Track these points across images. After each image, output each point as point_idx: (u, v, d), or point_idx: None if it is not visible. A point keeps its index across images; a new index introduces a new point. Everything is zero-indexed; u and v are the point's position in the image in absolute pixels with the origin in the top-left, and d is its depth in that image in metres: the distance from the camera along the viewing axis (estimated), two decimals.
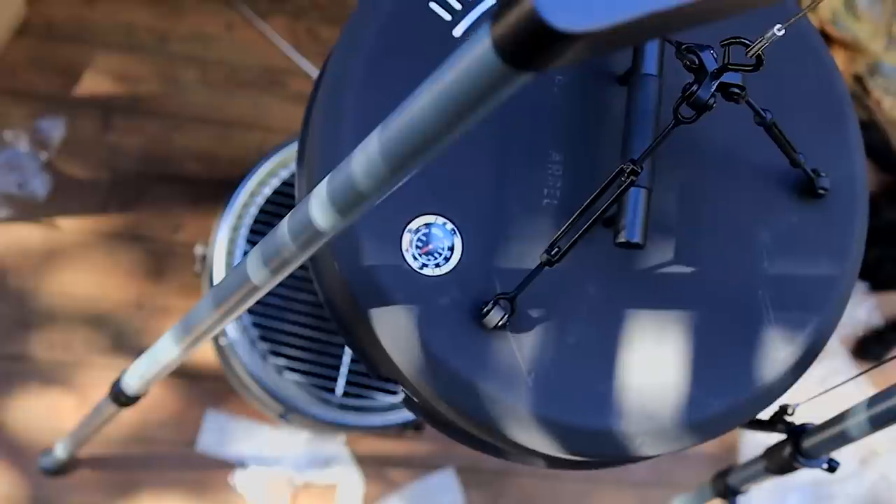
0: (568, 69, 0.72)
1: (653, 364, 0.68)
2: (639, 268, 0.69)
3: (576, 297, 0.68)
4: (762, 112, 0.66)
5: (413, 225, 0.66)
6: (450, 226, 0.67)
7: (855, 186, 0.75)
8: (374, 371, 0.71)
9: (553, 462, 0.74)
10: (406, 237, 0.66)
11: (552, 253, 0.64)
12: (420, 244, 0.66)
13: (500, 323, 0.64)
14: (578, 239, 0.64)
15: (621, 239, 0.65)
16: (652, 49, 0.69)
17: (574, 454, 0.67)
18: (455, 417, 0.67)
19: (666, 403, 0.67)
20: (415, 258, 0.66)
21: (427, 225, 0.66)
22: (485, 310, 0.64)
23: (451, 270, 0.66)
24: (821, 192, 0.72)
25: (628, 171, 0.62)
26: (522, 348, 0.65)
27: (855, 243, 0.74)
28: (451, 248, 0.66)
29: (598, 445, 0.66)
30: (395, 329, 0.65)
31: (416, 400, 0.70)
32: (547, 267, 0.64)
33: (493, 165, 0.69)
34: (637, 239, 0.65)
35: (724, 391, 0.68)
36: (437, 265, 0.66)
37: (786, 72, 0.76)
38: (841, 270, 0.73)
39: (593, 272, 0.68)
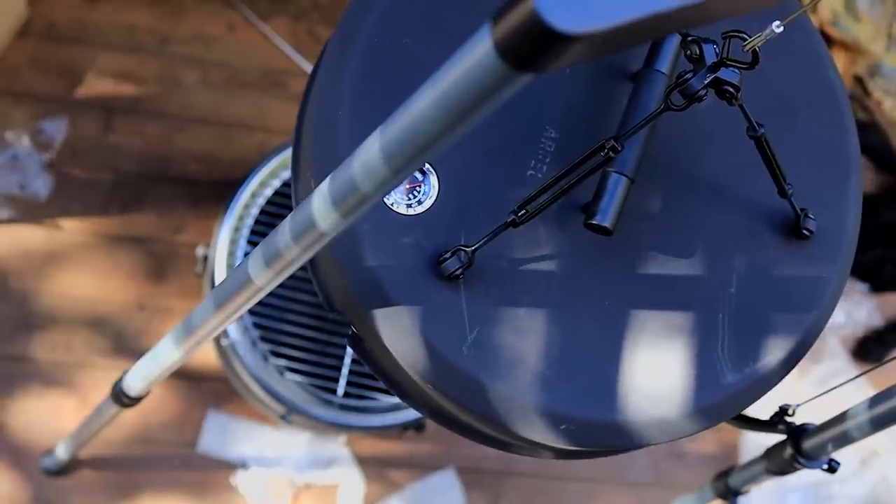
0: None
1: (596, 351, 0.68)
2: (605, 257, 0.70)
3: (537, 272, 0.68)
4: (756, 124, 0.66)
5: None
6: (430, 171, 0.67)
7: (842, 238, 0.74)
8: (328, 302, 0.71)
9: (480, 436, 0.74)
10: None
11: (519, 214, 0.64)
12: None
13: (454, 273, 0.64)
14: (548, 204, 0.64)
15: (592, 221, 0.66)
16: (668, 49, 0.70)
17: (494, 422, 0.67)
18: (385, 355, 0.67)
19: (601, 391, 0.67)
20: (389, 194, 0.66)
21: None
22: (442, 257, 0.65)
23: (420, 213, 0.66)
24: (805, 233, 0.72)
25: (608, 146, 0.63)
26: (471, 305, 0.65)
27: (827, 297, 0.73)
28: (427, 194, 0.67)
29: (519, 419, 0.66)
30: (351, 254, 0.65)
31: (361, 337, 0.70)
32: (511, 228, 0.65)
33: (488, 125, 0.69)
34: (607, 224, 0.66)
35: (668, 388, 0.68)
36: (409, 205, 0.66)
37: (801, 113, 0.76)
38: (804, 317, 0.72)
39: (561, 253, 0.69)
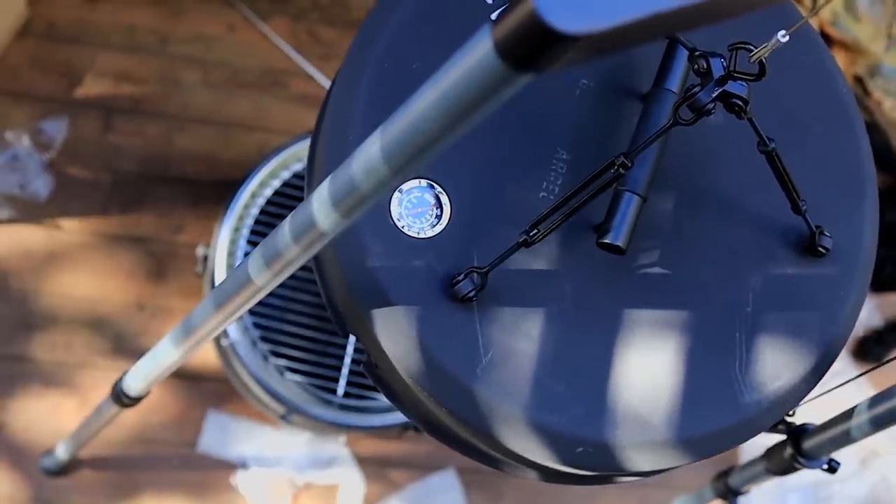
0: (594, 76, 0.73)
1: (612, 373, 0.67)
2: (618, 277, 0.69)
3: (551, 292, 0.68)
4: (766, 138, 0.65)
5: (406, 185, 0.66)
6: (442, 194, 0.67)
7: (859, 254, 0.74)
8: (342, 325, 0.71)
9: (489, 459, 0.73)
10: (396, 195, 0.66)
11: (531, 234, 0.64)
12: (409, 205, 0.66)
13: (468, 295, 0.64)
14: (560, 223, 0.64)
15: (604, 240, 0.66)
16: (677, 68, 0.70)
17: (507, 444, 0.66)
18: (398, 378, 0.67)
19: (618, 414, 0.66)
20: (400, 217, 0.66)
21: (420, 188, 0.67)
22: (455, 280, 0.64)
23: (433, 237, 0.66)
24: (821, 250, 0.71)
25: (619, 163, 0.63)
26: (485, 327, 0.65)
27: (846, 313, 0.72)
28: (439, 217, 0.67)
29: (535, 442, 0.66)
30: (364, 278, 0.65)
31: (374, 361, 0.70)
32: (524, 248, 0.64)
33: (499, 148, 0.69)
34: (620, 243, 0.65)
35: (679, 409, 0.67)
36: (421, 229, 0.66)
37: (813, 130, 0.76)
38: (823, 336, 0.71)
39: (574, 273, 0.68)
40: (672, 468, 0.69)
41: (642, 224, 0.67)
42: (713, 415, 0.68)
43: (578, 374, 0.66)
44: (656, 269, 0.70)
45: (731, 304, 0.70)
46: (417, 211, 0.67)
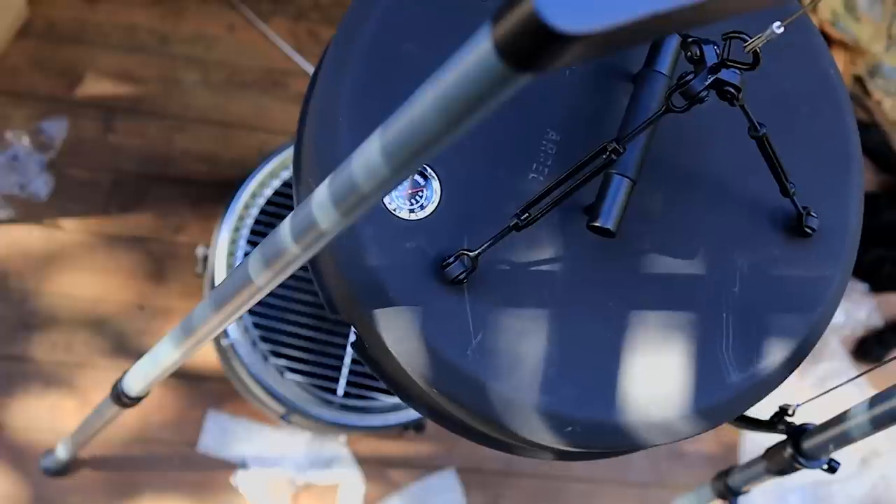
0: None
1: (601, 353, 0.68)
2: (608, 259, 0.70)
3: (541, 275, 0.68)
4: (757, 124, 0.66)
5: None
6: (432, 176, 0.67)
7: (845, 236, 0.74)
8: (332, 307, 0.71)
9: (484, 438, 0.74)
10: None
11: (522, 217, 0.64)
12: (399, 187, 0.66)
13: (458, 277, 0.64)
14: (550, 208, 0.64)
15: (594, 223, 0.66)
16: (667, 50, 0.70)
17: (499, 424, 0.67)
18: (389, 360, 0.67)
19: (606, 393, 0.67)
20: (391, 199, 0.66)
21: None
22: (446, 262, 0.65)
23: (423, 218, 0.66)
24: (807, 230, 0.72)
25: (610, 149, 0.63)
26: (475, 310, 0.65)
27: (830, 294, 0.73)
28: (429, 199, 0.67)
29: (526, 421, 0.66)
30: (354, 260, 0.65)
31: (364, 342, 0.70)
32: (514, 231, 0.64)
33: (489, 129, 0.69)
34: (610, 226, 0.66)
35: (666, 386, 0.68)
36: (412, 211, 0.66)
37: (801, 110, 0.76)
38: (808, 316, 0.72)
39: (564, 255, 0.69)
40: (660, 444, 0.69)
41: (632, 207, 0.67)
42: (701, 393, 0.69)
43: (568, 354, 0.67)
44: (646, 252, 0.70)
45: (718, 284, 0.71)
46: (408, 193, 0.66)
